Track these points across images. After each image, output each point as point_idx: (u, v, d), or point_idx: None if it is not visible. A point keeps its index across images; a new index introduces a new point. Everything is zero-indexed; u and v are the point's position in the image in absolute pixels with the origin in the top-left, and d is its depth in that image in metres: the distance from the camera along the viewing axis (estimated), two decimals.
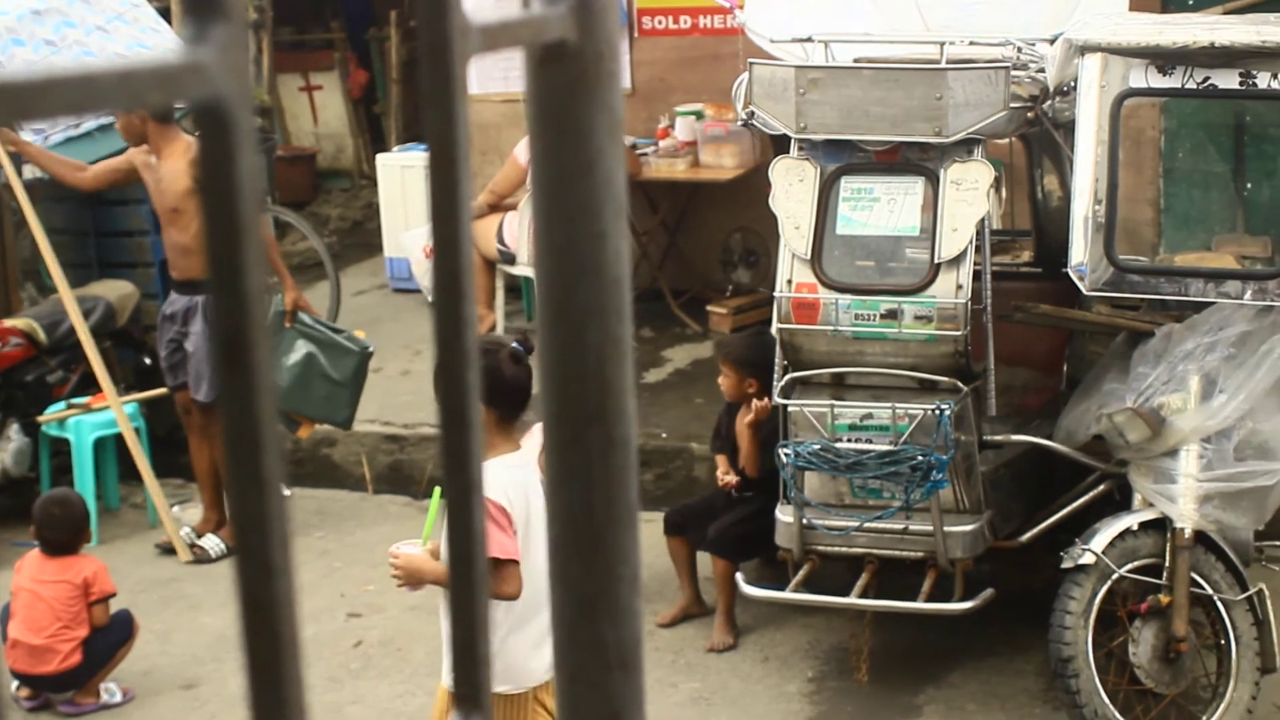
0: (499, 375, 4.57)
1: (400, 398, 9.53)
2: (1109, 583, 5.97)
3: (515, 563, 4.56)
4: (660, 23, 11.11)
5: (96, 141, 9.26)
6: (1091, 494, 6.49)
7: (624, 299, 0.99)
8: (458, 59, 0.82)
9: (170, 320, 8.23)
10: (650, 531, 8.22)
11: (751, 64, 6.27)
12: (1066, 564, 5.99)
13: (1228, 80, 5.90)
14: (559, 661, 1.07)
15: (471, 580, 0.88)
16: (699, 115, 10.64)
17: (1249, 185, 10.12)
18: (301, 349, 8.08)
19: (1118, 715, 5.90)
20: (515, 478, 4.63)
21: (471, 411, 0.87)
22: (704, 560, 7.17)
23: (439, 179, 0.83)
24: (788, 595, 6.44)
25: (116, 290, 9.49)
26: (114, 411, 8.27)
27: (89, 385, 8.70)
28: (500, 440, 4.70)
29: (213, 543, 8.17)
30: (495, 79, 11.54)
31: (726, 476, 7.03)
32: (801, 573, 6.43)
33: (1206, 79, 5.92)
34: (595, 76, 1.00)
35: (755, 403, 6.78)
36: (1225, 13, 9.49)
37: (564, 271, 1.00)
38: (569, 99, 0.99)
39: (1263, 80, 5.87)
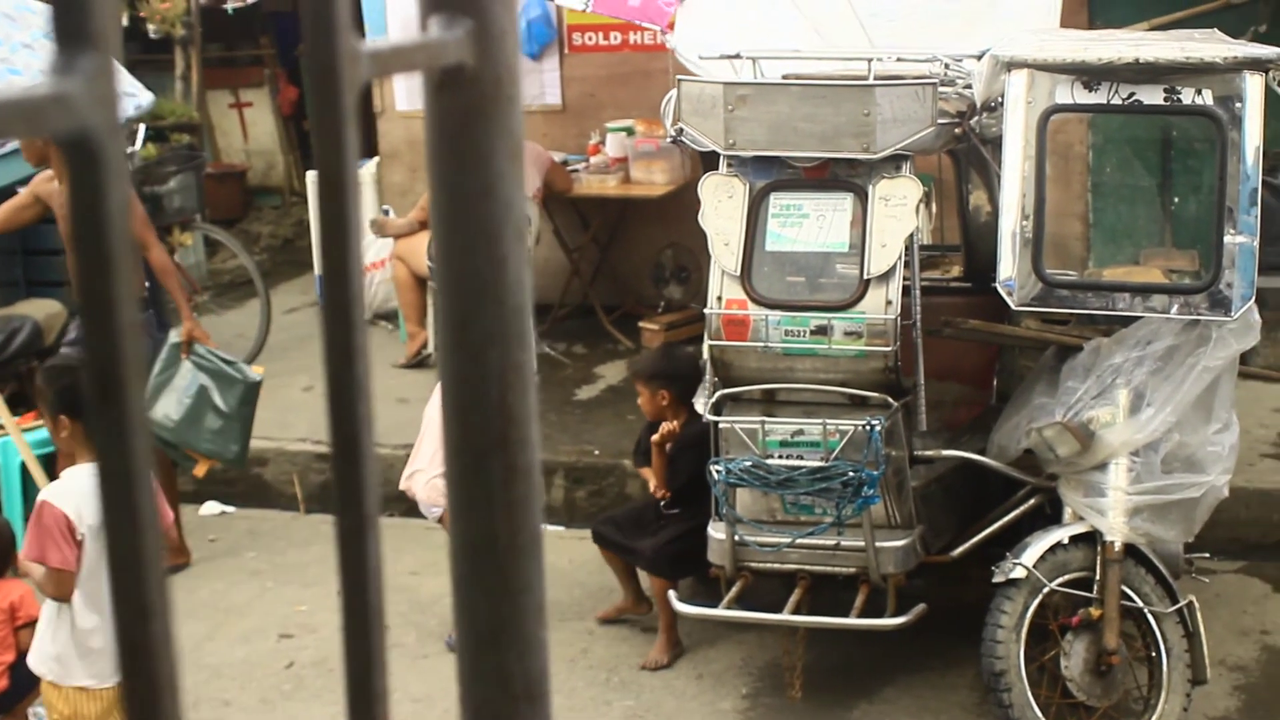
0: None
1: (311, 413, 9.48)
2: (1040, 596, 5.99)
3: (71, 572, 5.24)
4: (590, 39, 11.10)
5: (8, 164, 9.16)
6: (1022, 508, 6.51)
7: (525, 324, 0.98)
8: (346, 86, 0.80)
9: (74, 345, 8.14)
10: (588, 548, 8.21)
11: (680, 81, 6.27)
12: (998, 578, 6.01)
13: (1152, 96, 5.94)
14: (463, 694, 1.05)
15: (366, 613, 0.86)
16: (630, 132, 10.65)
17: (1176, 200, 10.20)
18: (195, 381, 7.89)
19: None
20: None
21: (365, 444, 0.85)
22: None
23: (328, 208, 0.82)
24: (720, 612, 6.43)
25: (44, 309, 9.40)
26: (11, 436, 8.10)
27: (18, 405, 8.59)
28: (84, 450, 5.08)
29: None
30: None
31: (658, 491, 7.02)
32: (734, 590, 6.43)
33: (1131, 94, 5.95)
34: (494, 101, 0.98)
35: (664, 425, 6.81)
36: (1151, 29, 9.57)
37: (464, 297, 0.99)
38: (468, 124, 0.98)
39: (1187, 96, 5.91)
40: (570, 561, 8.11)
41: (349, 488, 0.84)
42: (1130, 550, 6.05)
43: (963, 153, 7.33)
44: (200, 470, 8.13)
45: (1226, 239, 5.83)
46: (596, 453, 8.80)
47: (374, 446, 0.86)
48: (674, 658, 6.97)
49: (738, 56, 6.59)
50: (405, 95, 11.54)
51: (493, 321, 0.98)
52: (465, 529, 1.01)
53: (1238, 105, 5.82)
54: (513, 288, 0.99)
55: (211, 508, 9.01)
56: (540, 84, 11.34)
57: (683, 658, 7.03)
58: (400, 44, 0.92)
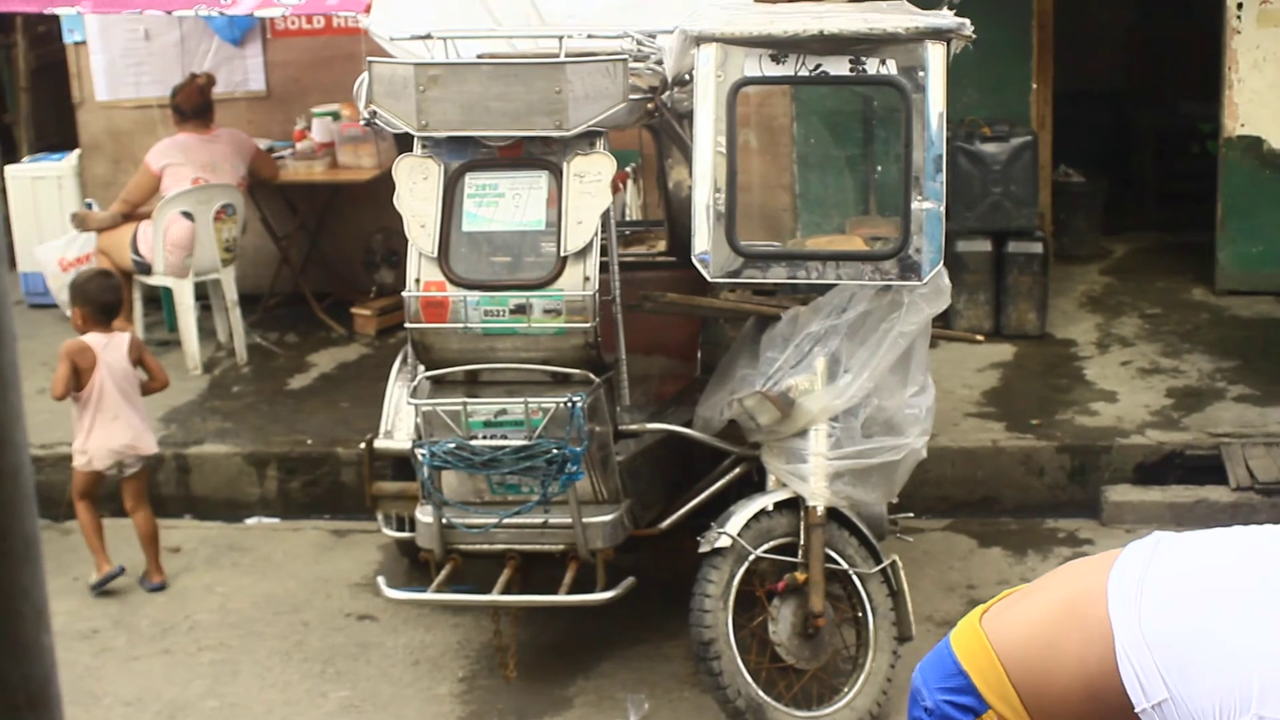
0: None
1: (38, 416, 9.19)
2: (746, 564, 6.06)
3: None
4: (294, 23, 10.94)
5: None
6: (728, 478, 6.58)
7: (6, 322, 0.93)
8: None
9: None
10: (303, 540, 8.12)
11: (371, 63, 6.19)
12: (704, 548, 6.06)
13: (838, 67, 6.02)
14: None
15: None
16: (335, 116, 10.53)
17: (879, 169, 10.41)
18: None
19: (761, 694, 5.99)
20: None
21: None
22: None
23: None
24: (429, 596, 6.38)
25: None
26: None
27: None
28: None
29: None
30: (127, 85, 11.23)
31: None
32: (444, 572, 6.38)
33: (818, 66, 6.03)
34: None
35: None
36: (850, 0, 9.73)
37: None
38: None
39: (871, 66, 6.00)
40: (285, 554, 8.00)
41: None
42: (833, 514, 6.16)
43: (660, 128, 7.38)
44: None
45: (914, 205, 5.94)
46: (310, 442, 8.68)
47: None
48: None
49: (429, 37, 6.54)
50: (106, 86, 11.25)
51: None
52: None
53: (921, 74, 5.92)
54: None
55: None
56: (244, 70, 11.15)
57: (399, 645, 6.97)
58: None
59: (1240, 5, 10.20)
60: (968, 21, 6.00)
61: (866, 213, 10.44)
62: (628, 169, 9.42)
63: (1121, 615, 2.88)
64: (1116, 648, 2.85)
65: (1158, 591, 2.88)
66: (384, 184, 10.02)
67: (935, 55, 5.94)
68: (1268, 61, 10.23)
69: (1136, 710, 2.81)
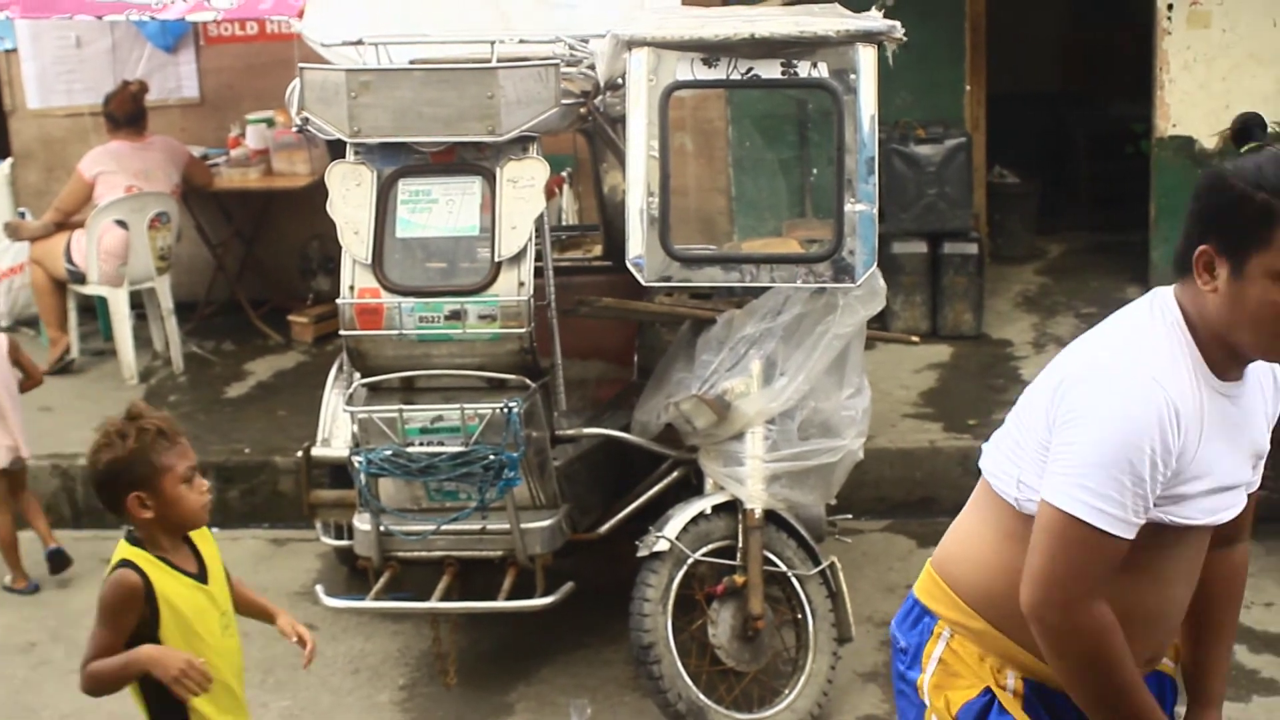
0: None
1: None
2: (685, 567, 6.06)
3: None
4: (227, 29, 10.90)
5: None
6: (665, 481, 6.58)
7: None
8: None
9: None
10: (242, 549, 8.08)
11: (302, 69, 6.16)
12: (642, 552, 6.06)
13: (770, 70, 6.03)
14: None
15: None
16: (270, 123, 10.49)
17: (814, 171, 10.44)
18: None
19: (701, 697, 5.99)
20: None
21: None
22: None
23: None
24: (368, 604, 6.36)
25: None
26: None
27: None
28: None
29: None
30: (58, 92, 11.16)
31: None
32: (382, 580, 6.36)
33: (750, 69, 6.03)
34: None
35: None
36: (782, 4, 9.75)
37: None
38: None
39: (803, 69, 6.01)
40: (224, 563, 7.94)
41: None
42: (771, 516, 6.17)
43: (594, 133, 7.38)
44: None
45: (847, 208, 5.95)
46: (247, 451, 8.64)
47: None
48: None
49: (360, 43, 6.52)
50: (37, 93, 11.18)
51: None
52: None
53: (852, 77, 5.94)
54: None
55: None
56: (177, 77, 11.10)
57: (339, 654, 6.94)
58: None
59: (1171, 6, 10.28)
60: (898, 24, 6.02)
61: (803, 215, 10.47)
62: (563, 174, 9.42)
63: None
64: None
65: None
66: (319, 191, 9.91)
67: (866, 58, 5.96)
68: (1198, 62, 10.31)
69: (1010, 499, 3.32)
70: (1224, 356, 3.15)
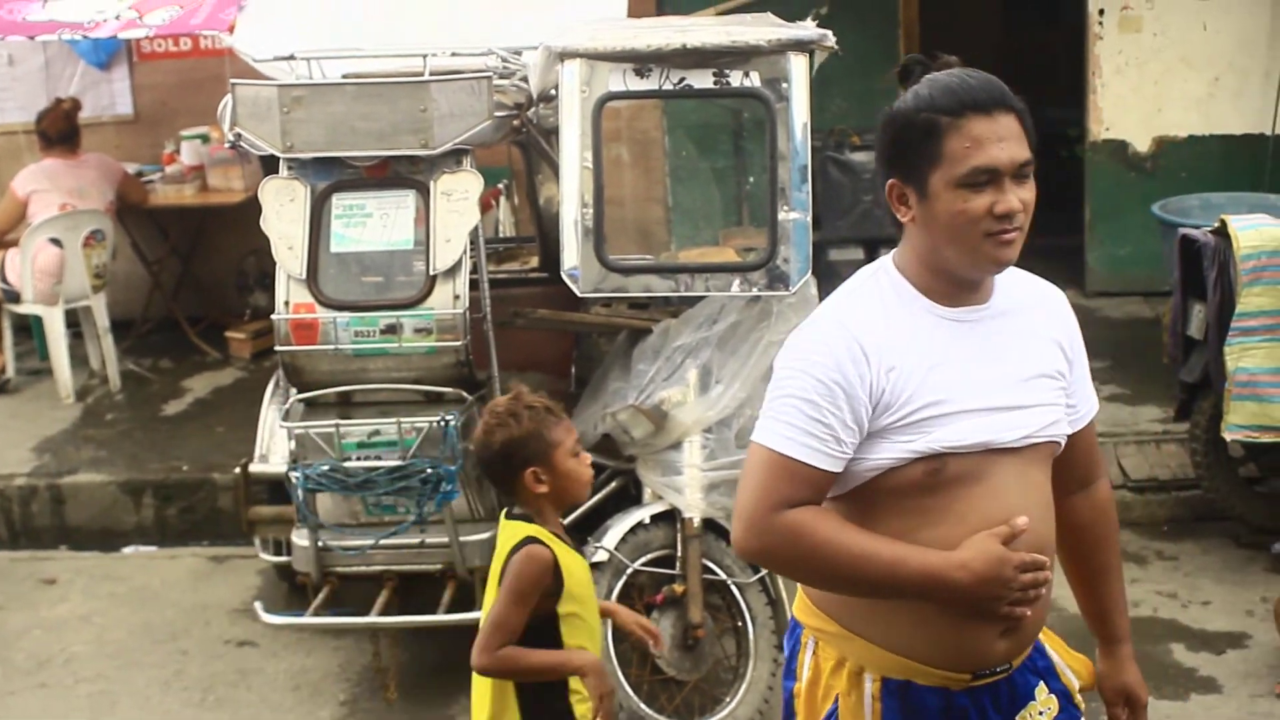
0: None
1: None
2: (624, 577, 6.06)
3: None
4: (160, 45, 10.87)
5: None
6: (604, 492, 6.58)
7: None
8: None
9: None
10: (180, 567, 8.05)
11: (234, 85, 6.15)
12: None
13: (702, 80, 6.04)
14: None
15: None
16: (204, 139, 10.46)
17: (750, 180, 10.48)
18: None
19: (643, 706, 5.99)
20: None
21: None
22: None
23: None
24: (308, 620, 6.33)
25: None
26: None
27: None
28: None
29: None
30: None
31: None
32: (321, 596, 6.35)
33: (683, 79, 6.05)
34: None
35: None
36: (718, 14, 9.78)
37: None
38: None
39: (735, 79, 6.03)
40: (162, 582, 7.92)
41: None
42: (710, 525, 6.17)
43: (529, 144, 7.38)
44: None
45: (780, 216, 5.97)
46: (186, 468, 8.60)
47: None
48: None
49: (292, 58, 6.51)
50: None
51: None
52: None
53: (784, 86, 5.96)
54: None
55: None
56: (111, 94, 11.05)
57: (280, 670, 6.92)
58: None
59: (1102, 11, 10.36)
60: (830, 33, 6.05)
61: (739, 224, 10.50)
62: (499, 186, 9.42)
63: None
64: None
65: None
66: (255, 206, 9.84)
67: (798, 66, 5.98)
68: (1130, 66, 10.40)
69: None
70: (946, 284, 3.23)
